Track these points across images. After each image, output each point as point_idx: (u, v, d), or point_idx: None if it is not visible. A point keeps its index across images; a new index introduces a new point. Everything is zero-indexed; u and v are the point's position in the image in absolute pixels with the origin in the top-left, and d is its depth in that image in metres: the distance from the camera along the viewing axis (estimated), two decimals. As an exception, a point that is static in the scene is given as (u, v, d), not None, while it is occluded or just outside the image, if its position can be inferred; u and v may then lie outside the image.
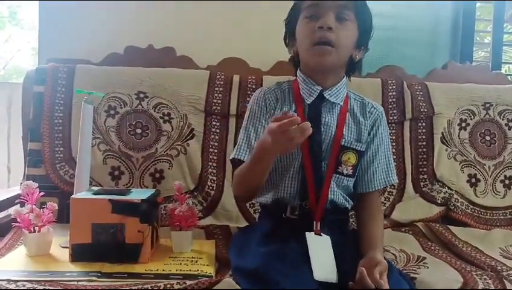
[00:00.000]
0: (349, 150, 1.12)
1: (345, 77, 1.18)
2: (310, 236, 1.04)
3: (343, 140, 1.12)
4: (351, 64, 1.17)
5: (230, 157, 1.18)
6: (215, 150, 1.53)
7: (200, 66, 1.65)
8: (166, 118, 1.52)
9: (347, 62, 1.15)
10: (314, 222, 1.07)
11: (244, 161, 1.12)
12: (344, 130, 1.13)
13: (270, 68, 1.68)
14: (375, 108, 1.19)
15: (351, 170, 1.12)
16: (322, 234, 1.06)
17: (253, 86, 1.57)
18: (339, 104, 1.14)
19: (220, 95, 1.55)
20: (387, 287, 0.89)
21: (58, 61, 1.57)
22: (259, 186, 1.11)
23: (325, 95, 1.13)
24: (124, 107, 1.51)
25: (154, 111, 1.52)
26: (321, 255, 1.00)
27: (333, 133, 1.12)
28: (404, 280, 0.99)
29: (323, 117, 1.13)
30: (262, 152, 0.98)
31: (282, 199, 1.12)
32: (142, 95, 1.52)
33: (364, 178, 1.15)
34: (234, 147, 1.50)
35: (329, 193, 1.10)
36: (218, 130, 1.54)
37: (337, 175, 1.11)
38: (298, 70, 1.18)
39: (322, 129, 1.12)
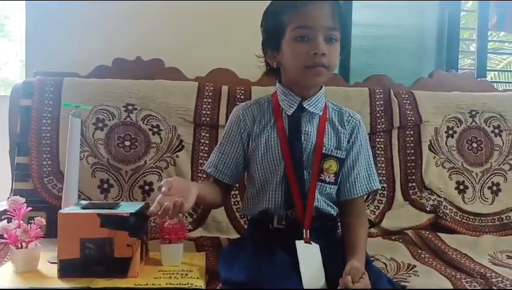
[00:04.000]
0: (330, 158, 1.13)
1: (323, 87, 1.19)
2: (299, 244, 1.04)
3: (324, 148, 1.13)
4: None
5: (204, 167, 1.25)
6: (205, 161, 1.50)
7: (189, 78, 1.65)
8: (155, 129, 1.51)
9: None
10: (304, 230, 1.08)
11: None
12: (324, 138, 1.14)
13: (258, 79, 1.69)
14: (352, 116, 1.20)
15: (333, 178, 1.13)
16: (311, 242, 1.06)
17: (242, 97, 1.57)
18: (318, 114, 1.16)
19: (209, 106, 1.55)
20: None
21: (45, 74, 1.56)
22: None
23: (304, 105, 1.14)
24: (113, 119, 1.50)
25: (143, 123, 1.51)
26: (310, 263, 1.01)
27: (314, 142, 1.13)
28: (393, 288, 1.00)
29: (303, 127, 1.14)
30: None
31: (267, 210, 1.13)
32: (130, 107, 1.52)
33: (346, 185, 1.16)
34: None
35: (315, 200, 1.11)
36: (207, 141, 1.54)
37: (320, 183, 1.12)
38: (277, 83, 1.19)
39: (303, 138, 1.13)
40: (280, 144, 1.12)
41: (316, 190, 1.11)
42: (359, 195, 1.17)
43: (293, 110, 1.14)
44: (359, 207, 1.19)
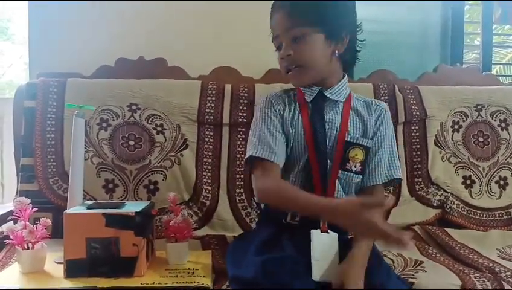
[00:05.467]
0: (356, 146, 1.12)
1: (345, 76, 1.18)
2: (315, 233, 1.01)
3: (348, 136, 1.12)
4: (343, 59, 1.16)
5: (248, 155, 1.12)
6: (209, 160, 1.52)
7: (192, 76, 1.65)
8: (159, 129, 1.51)
9: (338, 59, 1.14)
10: (321, 220, 1.04)
11: (264, 159, 1.08)
12: (348, 126, 1.14)
13: (261, 76, 1.68)
14: (378, 105, 1.21)
15: (360, 167, 1.12)
16: (329, 231, 1.03)
17: (246, 95, 1.56)
18: (341, 101, 1.15)
19: (213, 105, 1.55)
20: None
21: (49, 75, 1.56)
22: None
23: (326, 94, 1.14)
24: (117, 119, 1.50)
25: (147, 122, 1.51)
26: (324, 253, 0.98)
27: (338, 130, 1.13)
28: (402, 284, 0.99)
29: (327, 115, 1.14)
30: (323, 214, 0.98)
31: None
32: (134, 107, 1.52)
33: (366, 172, 1.14)
34: (229, 155, 1.52)
35: (335, 191, 1.10)
36: (211, 140, 1.54)
37: (346, 172, 1.11)
38: None
39: (327, 127, 1.12)
40: (305, 133, 1.12)
41: (337, 181, 1.10)
42: (378, 182, 1.14)
43: (312, 97, 1.14)
44: (378, 196, 1.16)
